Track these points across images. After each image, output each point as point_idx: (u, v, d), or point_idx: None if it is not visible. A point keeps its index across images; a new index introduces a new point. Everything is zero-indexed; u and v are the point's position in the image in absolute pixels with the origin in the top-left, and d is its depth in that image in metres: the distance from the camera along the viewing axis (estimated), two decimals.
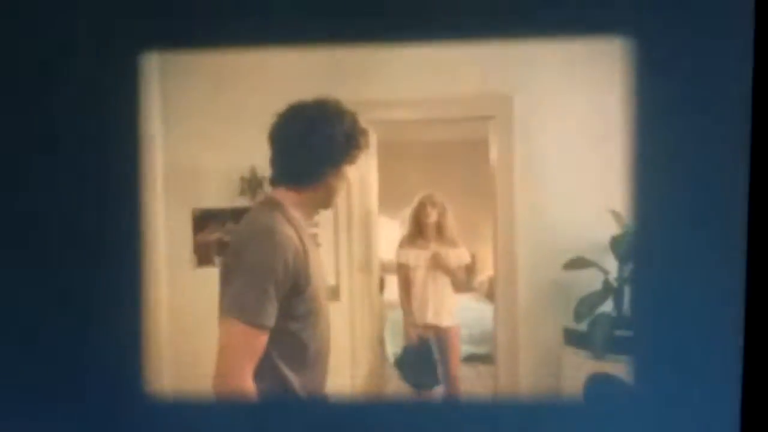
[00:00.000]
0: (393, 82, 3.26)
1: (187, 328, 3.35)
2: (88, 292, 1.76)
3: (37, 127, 1.72)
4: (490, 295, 5.94)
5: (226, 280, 1.63)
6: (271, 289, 1.55)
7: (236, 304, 1.56)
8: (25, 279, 1.75)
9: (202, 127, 3.31)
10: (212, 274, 3.26)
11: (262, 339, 1.56)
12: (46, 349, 1.76)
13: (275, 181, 1.72)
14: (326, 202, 1.74)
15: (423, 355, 3.60)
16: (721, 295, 1.63)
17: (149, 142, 3.14)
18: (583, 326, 2.92)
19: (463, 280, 3.73)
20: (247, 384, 1.56)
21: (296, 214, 1.67)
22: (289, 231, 1.61)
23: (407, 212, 3.83)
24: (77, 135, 1.73)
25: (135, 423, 1.80)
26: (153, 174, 3.30)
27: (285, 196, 1.69)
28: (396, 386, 4.59)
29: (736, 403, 1.64)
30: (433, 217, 3.73)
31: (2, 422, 1.76)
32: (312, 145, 1.66)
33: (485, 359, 4.86)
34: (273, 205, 1.68)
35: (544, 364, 3.21)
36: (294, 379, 1.63)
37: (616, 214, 2.87)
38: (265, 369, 1.58)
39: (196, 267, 3.37)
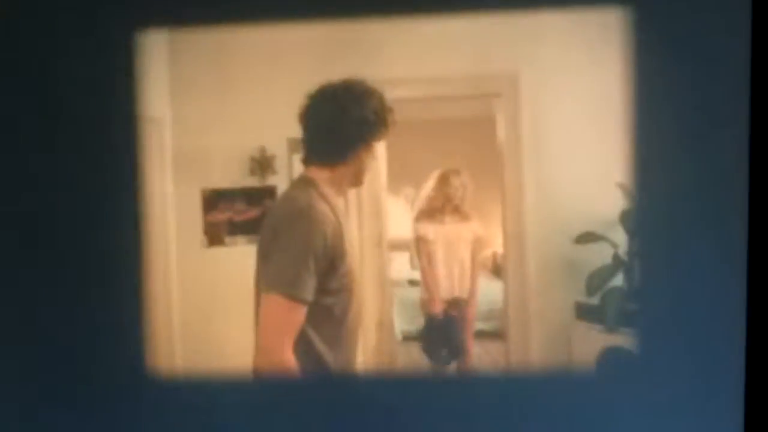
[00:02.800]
0: (397, 60, 3.26)
1: (199, 308, 3.37)
2: (90, 274, 1.76)
3: (35, 110, 1.72)
4: (495, 271, 5.95)
5: (264, 257, 1.68)
6: (311, 264, 1.60)
7: (278, 279, 1.61)
8: (27, 262, 1.75)
9: (211, 107, 3.31)
10: (223, 254, 3.33)
11: (302, 313, 1.61)
12: (47, 332, 1.77)
13: (308, 160, 1.79)
14: (357, 179, 1.80)
15: (447, 329, 3.64)
16: (725, 266, 1.65)
17: (151, 123, 3.15)
18: (594, 300, 2.95)
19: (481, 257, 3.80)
20: (289, 357, 1.60)
21: (329, 191, 1.72)
22: (324, 207, 1.67)
23: (422, 188, 3.82)
24: (76, 117, 1.73)
25: (144, 403, 1.80)
26: (161, 154, 3.31)
27: (318, 174, 1.75)
28: (404, 363, 4.62)
29: (741, 375, 1.66)
30: (460, 190, 3.75)
31: (6, 407, 1.77)
32: (343, 125, 1.72)
33: (493, 335, 4.88)
34: (307, 182, 1.74)
35: (555, 338, 3.23)
36: (328, 355, 1.67)
37: (624, 188, 2.87)
38: (300, 344, 1.62)
39: (206, 247, 3.39)
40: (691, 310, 1.67)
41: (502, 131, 3.40)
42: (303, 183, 1.75)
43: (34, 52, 1.75)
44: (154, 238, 2.61)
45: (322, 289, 1.64)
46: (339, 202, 1.77)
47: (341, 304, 1.70)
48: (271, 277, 1.63)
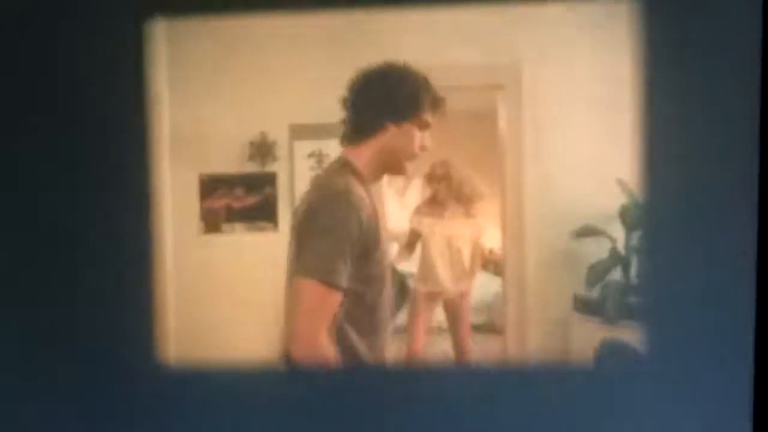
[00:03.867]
0: (400, 49, 3.22)
1: (194, 295, 3.35)
2: (94, 260, 1.75)
3: (39, 93, 1.70)
4: (490, 265, 5.95)
5: (300, 241, 1.63)
6: (347, 250, 1.56)
7: (314, 264, 1.56)
8: (28, 248, 1.73)
9: (211, 92, 3.29)
10: (220, 241, 3.31)
11: (338, 299, 1.57)
12: (52, 323, 1.75)
13: (344, 141, 1.73)
14: (395, 165, 1.74)
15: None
16: (732, 260, 1.64)
17: (155, 107, 3.11)
18: (592, 293, 2.95)
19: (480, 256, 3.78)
20: (324, 344, 1.57)
21: (365, 174, 1.68)
22: (361, 192, 1.62)
23: (412, 181, 3.78)
24: (80, 102, 1.71)
25: (141, 392, 1.78)
26: (159, 138, 3.28)
27: (354, 155, 1.70)
28: (396, 354, 4.62)
29: (748, 367, 1.65)
30: (443, 183, 3.72)
31: (15, 400, 1.76)
32: (372, 98, 1.68)
33: (483, 328, 4.89)
34: (344, 165, 1.69)
35: (553, 331, 3.24)
36: (359, 344, 1.64)
37: (623, 183, 2.88)
38: (333, 332, 1.59)
39: (203, 233, 3.36)
40: (695, 304, 1.67)
41: (503, 124, 3.39)
42: (340, 165, 1.70)
43: (37, 38, 1.74)
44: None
45: (355, 276, 1.60)
46: (374, 187, 1.73)
47: (373, 292, 1.66)
48: (307, 262, 1.58)
